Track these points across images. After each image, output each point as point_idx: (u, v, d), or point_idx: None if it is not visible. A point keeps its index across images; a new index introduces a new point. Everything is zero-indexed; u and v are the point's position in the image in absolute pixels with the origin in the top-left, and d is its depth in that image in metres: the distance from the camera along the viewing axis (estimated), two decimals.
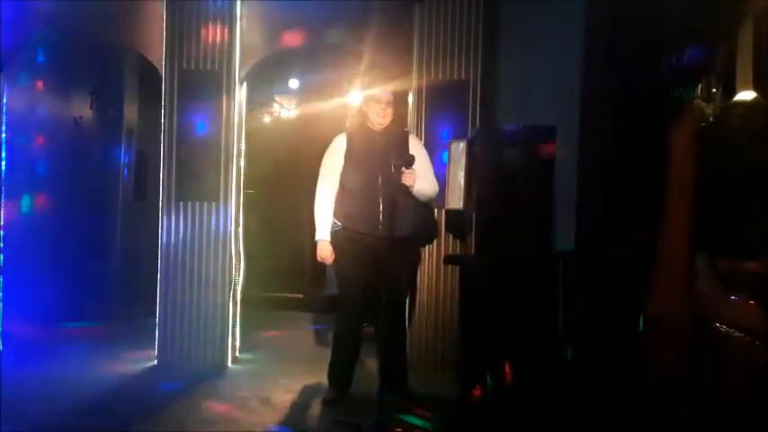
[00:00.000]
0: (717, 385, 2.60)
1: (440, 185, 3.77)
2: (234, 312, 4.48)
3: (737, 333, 2.59)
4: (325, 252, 3.60)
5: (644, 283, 2.95)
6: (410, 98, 4.49)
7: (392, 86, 3.76)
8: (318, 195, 3.63)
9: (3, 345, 4.52)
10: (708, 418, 2.59)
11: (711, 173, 2.88)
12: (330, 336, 4.06)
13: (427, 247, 4.33)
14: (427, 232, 3.91)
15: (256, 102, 5.00)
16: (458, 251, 4.31)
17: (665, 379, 2.79)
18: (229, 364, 4.40)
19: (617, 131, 3.26)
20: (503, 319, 3.23)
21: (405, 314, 3.98)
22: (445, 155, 4.18)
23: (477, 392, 3.34)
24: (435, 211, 4.06)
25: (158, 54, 4.38)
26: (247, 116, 4.68)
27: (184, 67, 4.30)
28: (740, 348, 2.55)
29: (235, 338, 4.54)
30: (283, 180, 6.42)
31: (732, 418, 2.51)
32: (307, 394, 3.88)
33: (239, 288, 4.56)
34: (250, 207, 4.81)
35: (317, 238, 3.62)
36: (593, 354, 3.03)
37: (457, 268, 4.15)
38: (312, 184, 3.69)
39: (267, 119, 7.21)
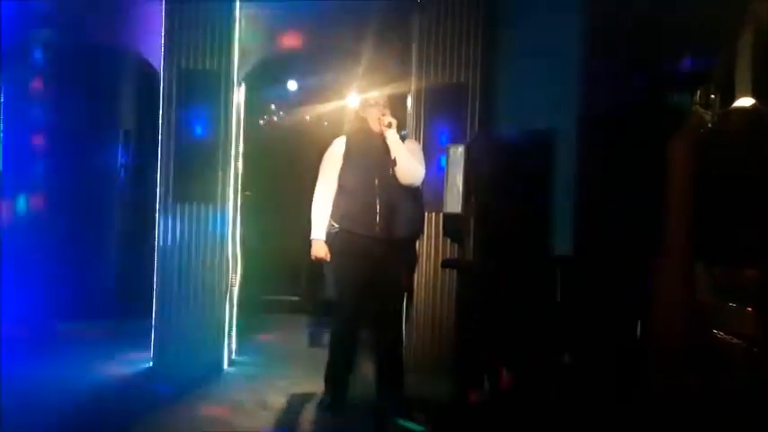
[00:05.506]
0: (715, 393, 2.59)
1: (438, 189, 3.75)
2: (230, 314, 4.47)
3: (735, 340, 2.59)
4: (319, 251, 3.60)
5: (642, 290, 2.95)
6: (408, 101, 4.49)
7: (390, 89, 3.75)
8: (316, 196, 3.64)
9: None
10: (706, 425, 2.58)
11: (710, 179, 2.88)
12: (326, 338, 4.04)
13: (425, 251, 4.33)
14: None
15: (255, 103, 4.98)
16: (455, 255, 4.31)
17: (664, 386, 2.78)
18: (225, 366, 4.38)
19: (615, 137, 3.26)
20: (500, 323, 3.22)
21: (401, 316, 3.96)
22: (443, 159, 4.18)
23: (474, 396, 3.34)
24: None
25: (156, 54, 4.36)
26: (246, 117, 4.67)
27: (183, 67, 4.28)
28: (738, 355, 2.55)
29: (231, 341, 4.53)
30: (281, 182, 6.40)
31: (731, 425, 2.50)
32: (303, 397, 3.87)
33: (236, 290, 4.54)
34: (248, 209, 4.79)
35: (312, 237, 3.62)
36: (590, 360, 3.03)
37: (454, 272, 4.14)
38: (310, 187, 3.69)
39: (265, 120, 7.18)
